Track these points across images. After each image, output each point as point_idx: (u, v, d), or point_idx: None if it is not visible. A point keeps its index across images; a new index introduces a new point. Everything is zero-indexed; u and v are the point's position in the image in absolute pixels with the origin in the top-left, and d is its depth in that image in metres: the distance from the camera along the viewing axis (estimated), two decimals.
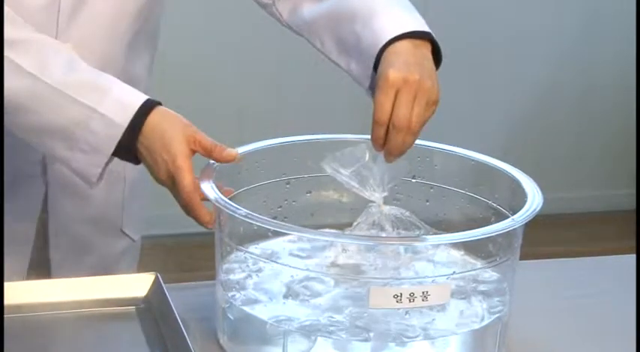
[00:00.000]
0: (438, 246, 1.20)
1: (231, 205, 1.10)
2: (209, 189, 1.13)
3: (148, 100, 1.20)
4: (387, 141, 1.18)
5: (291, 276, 1.13)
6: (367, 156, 1.19)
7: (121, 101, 1.20)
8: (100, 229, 1.45)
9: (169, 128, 1.19)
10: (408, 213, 1.18)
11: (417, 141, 1.23)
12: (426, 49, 1.24)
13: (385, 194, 1.19)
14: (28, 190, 1.37)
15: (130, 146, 1.19)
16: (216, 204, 1.11)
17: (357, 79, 1.28)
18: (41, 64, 1.20)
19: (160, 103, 1.21)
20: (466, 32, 3.39)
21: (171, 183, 1.18)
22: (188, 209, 1.17)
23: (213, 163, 1.19)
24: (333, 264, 1.15)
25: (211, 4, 3.14)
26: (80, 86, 1.21)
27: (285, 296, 1.13)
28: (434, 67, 1.22)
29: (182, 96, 2.99)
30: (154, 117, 1.19)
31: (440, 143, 1.27)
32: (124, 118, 1.19)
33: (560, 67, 3.56)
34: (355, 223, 1.19)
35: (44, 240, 1.41)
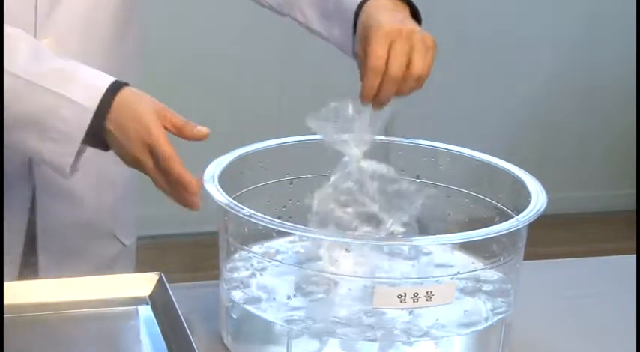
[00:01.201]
0: (441, 245, 1.20)
1: (236, 205, 1.10)
2: (213, 189, 1.13)
3: (115, 82, 1.19)
4: (380, 90, 1.18)
5: (295, 276, 1.13)
6: (350, 109, 1.18)
7: (88, 85, 1.18)
8: (90, 233, 1.44)
9: (139, 103, 1.17)
10: (386, 169, 1.17)
11: (421, 141, 1.23)
12: (404, 9, 1.24)
13: (366, 148, 1.18)
14: (15, 193, 1.36)
15: (99, 129, 1.18)
16: (221, 204, 1.11)
17: (341, 44, 1.29)
18: (8, 55, 1.19)
19: (127, 84, 1.20)
20: (469, 32, 3.40)
21: (147, 156, 1.16)
22: (171, 178, 1.15)
23: (218, 162, 1.19)
24: (337, 264, 1.15)
25: (214, 3, 3.14)
26: (47, 74, 1.19)
27: (289, 296, 1.13)
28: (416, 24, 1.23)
29: (183, 96, 2.99)
30: (123, 95, 1.18)
31: (444, 143, 1.27)
32: (92, 102, 1.17)
33: (563, 68, 3.56)
34: (333, 178, 1.18)
35: (32, 244, 1.40)
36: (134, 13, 1.39)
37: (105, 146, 1.19)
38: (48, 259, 1.40)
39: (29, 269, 1.40)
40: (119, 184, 1.45)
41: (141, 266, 1.53)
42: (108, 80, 1.19)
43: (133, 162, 1.18)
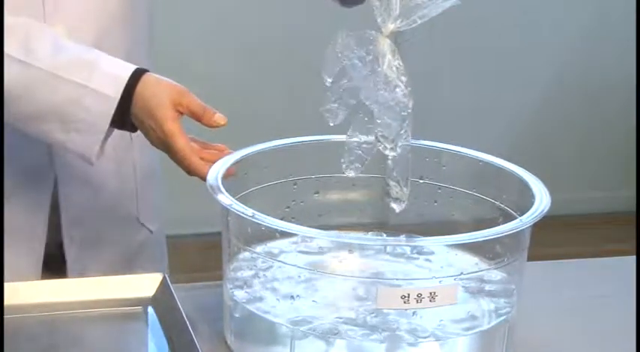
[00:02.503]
0: (445, 246, 1.20)
1: (239, 206, 1.10)
2: (217, 190, 1.13)
3: (136, 70, 1.20)
4: None
5: (299, 276, 1.13)
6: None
7: (110, 74, 1.20)
8: (115, 220, 1.44)
9: (155, 94, 1.19)
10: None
11: (425, 142, 1.23)
12: None
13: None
14: (37, 184, 1.37)
15: (124, 118, 1.20)
16: (224, 204, 1.11)
17: None
18: (27, 48, 1.20)
19: (147, 71, 1.21)
20: (473, 33, 3.39)
21: (166, 149, 1.18)
22: (189, 170, 1.17)
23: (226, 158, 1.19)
24: (341, 265, 1.15)
25: (223, 3, 3.14)
26: (68, 65, 1.21)
27: (292, 297, 1.13)
28: None
29: None
30: (142, 85, 1.20)
31: (448, 144, 1.27)
32: (115, 91, 1.19)
33: (567, 68, 3.56)
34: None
35: (58, 236, 1.40)
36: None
37: (133, 128, 1.20)
38: (74, 248, 1.40)
39: (54, 260, 1.40)
40: (140, 168, 1.45)
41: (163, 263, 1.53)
42: (130, 68, 1.21)
43: (158, 148, 1.21)
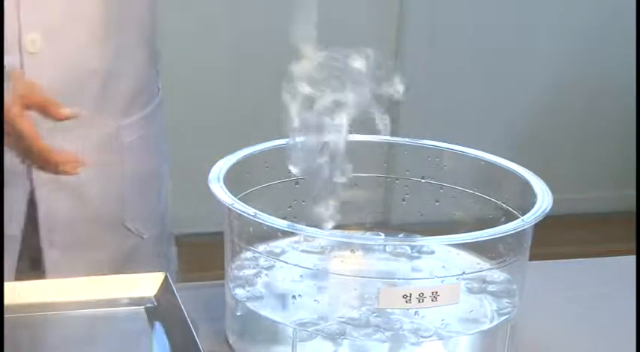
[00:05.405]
0: (447, 246, 1.20)
1: (241, 205, 1.10)
2: (219, 189, 1.13)
3: None
4: None
5: (300, 276, 1.13)
6: None
7: None
8: (99, 225, 1.43)
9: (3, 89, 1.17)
10: None
11: (427, 142, 1.22)
12: None
13: None
14: (12, 190, 1.36)
15: None
16: (226, 204, 1.11)
17: None
18: None
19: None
20: (475, 33, 3.39)
21: (15, 140, 1.17)
22: (43, 153, 1.16)
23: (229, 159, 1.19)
24: (342, 264, 1.15)
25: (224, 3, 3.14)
26: None
27: (294, 296, 1.13)
28: None
29: (190, 96, 3.00)
30: None
31: (449, 143, 1.27)
32: None
33: (570, 68, 3.56)
34: None
35: (36, 241, 1.40)
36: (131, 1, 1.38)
37: None
38: (54, 252, 1.40)
39: (32, 264, 1.39)
40: (131, 173, 1.44)
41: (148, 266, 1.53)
42: None
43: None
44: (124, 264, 1.46)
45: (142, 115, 1.45)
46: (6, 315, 1.09)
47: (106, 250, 1.44)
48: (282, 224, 1.09)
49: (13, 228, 1.38)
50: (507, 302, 1.15)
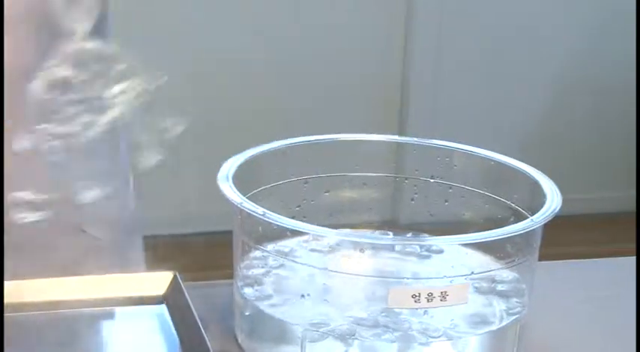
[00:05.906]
0: (456, 245, 1.20)
1: (250, 204, 1.10)
2: (228, 188, 1.13)
3: None
4: None
5: (309, 275, 1.13)
6: None
7: None
8: (50, 226, 1.41)
9: None
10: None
11: (436, 141, 1.22)
12: None
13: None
14: None
15: None
16: (235, 203, 1.11)
17: None
18: None
19: None
20: (482, 32, 3.39)
21: None
22: None
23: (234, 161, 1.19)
24: (351, 264, 1.15)
25: (229, 4, 3.14)
26: None
27: (303, 295, 1.13)
28: None
29: (201, 95, 3.00)
30: None
31: (458, 143, 1.27)
32: None
33: (578, 67, 3.55)
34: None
35: None
36: None
37: None
38: (8, 259, 1.38)
39: None
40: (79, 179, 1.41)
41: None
42: None
43: None
44: (81, 265, 1.43)
45: None
46: (11, 314, 1.09)
47: (59, 252, 1.42)
48: (291, 223, 1.09)
49: None
50: (517, 302, 1.15)
